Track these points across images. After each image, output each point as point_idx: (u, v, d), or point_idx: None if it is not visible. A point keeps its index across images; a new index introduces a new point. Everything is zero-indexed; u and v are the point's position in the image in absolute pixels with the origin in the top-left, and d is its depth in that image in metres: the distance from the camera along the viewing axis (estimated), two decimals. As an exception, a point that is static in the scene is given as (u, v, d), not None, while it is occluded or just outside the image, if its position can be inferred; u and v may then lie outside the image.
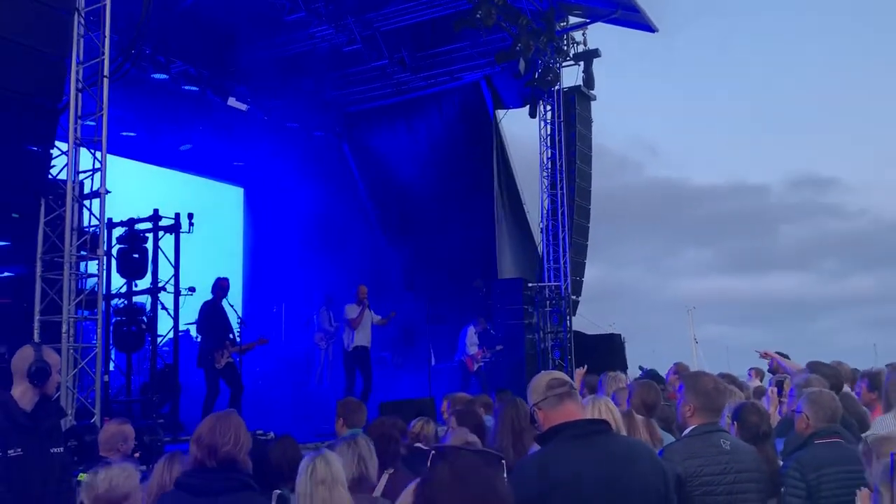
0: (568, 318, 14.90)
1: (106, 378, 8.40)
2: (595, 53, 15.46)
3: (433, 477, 1.92)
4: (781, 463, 4.15)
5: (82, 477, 3.74)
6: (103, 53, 8.01)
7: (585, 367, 8.28)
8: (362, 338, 11.70)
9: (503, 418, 4.29)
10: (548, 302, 14.78)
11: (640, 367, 11.32)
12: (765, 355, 7.37)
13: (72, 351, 7.43)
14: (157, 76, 13.59)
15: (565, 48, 15.28)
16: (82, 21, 7.89)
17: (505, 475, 1.91)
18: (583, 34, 15.43)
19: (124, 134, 13.62)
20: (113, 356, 9.84)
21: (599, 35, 15.57)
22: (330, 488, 3.46)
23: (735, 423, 4.27)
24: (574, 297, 15.37)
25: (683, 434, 3.83)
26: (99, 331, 7.83)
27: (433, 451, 2.73)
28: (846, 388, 5.56)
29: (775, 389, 5.93)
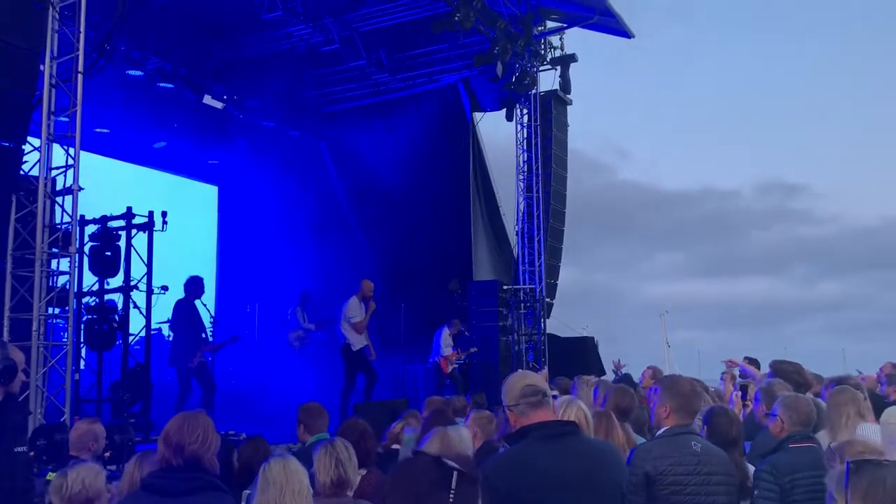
0: (542, 320, 14.98)
1: (76, 377, 8.31)
2: (572, 58, 15.55)
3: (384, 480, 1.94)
4: (750, 466, 4.21)
5: (51, 476, 3.71)
6: (78, 49, 7.93)
7: (546, 369, 8.28)
8: (365, 337, 11.33)
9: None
10: (522, 304, 14.85)
11: (615, 371, 11.38)
12: (730, 364, 7.46)
13: (42, 349, 7.34)
14: (132, 73, 13.47)
15: (542, 52, 15.36)
16: (56, 15, 7.80)
17: (454, 485, 1.91)
18: (560, 39, 15.52)
19: (98, 130, 13.49)
20: (84, 354, 9.73)
21: (572, 39, 15.66)
22: (281, 491, 3.41)
23: (706, 426, 4.32)
24: (548, 300, 15.44)
25: (656, 435, 3.88)
26: (70, 329, 7.76)
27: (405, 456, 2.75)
28: (810, 395, 5.64)
29: (739, 393, 6.01)
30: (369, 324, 11.70)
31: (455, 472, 1.79)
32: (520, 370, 3.30)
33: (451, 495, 1.88)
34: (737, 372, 9.80)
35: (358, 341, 11.18)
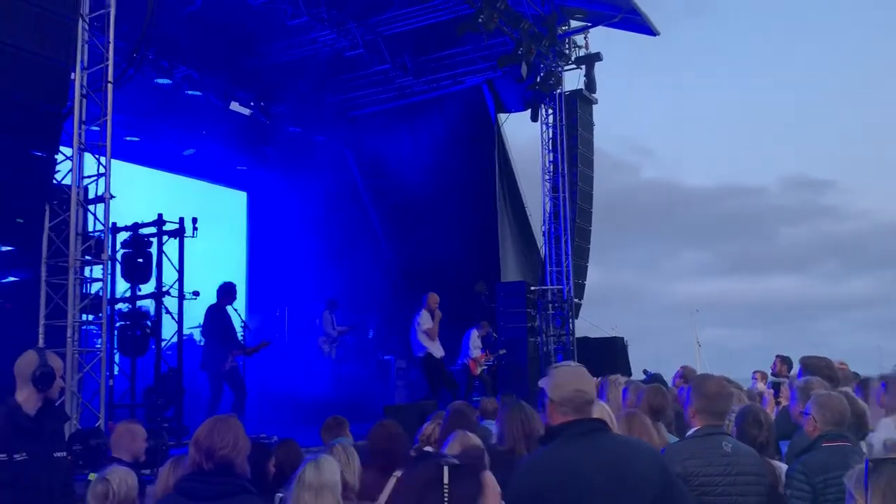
0: (570, 321, 14.92)
1: (110, 382, 8.43)
2: (597, 57, 15.48)
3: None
4: (784, 467, 4.17)
5: (92, 477, 3.79)
6: (107, 59, 8.05)
7: None
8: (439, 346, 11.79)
9: (510, 421, 4.30)
10: (550, 305, 14.81)
11: (645, 371, 11.31)
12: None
13: (76, 355, 7.46)
14: (160, 81, 13.65)
15: (567, 52, 15.31)
16: (86, 26, 7.93)
17: (446, 480, 1.90)
18: (584, 38, 15.46)
19: (128, 139, 13.69)
20: (117, 360, 9.87)
21: (596, 38, 15.58)
22: (317, 494, 3.47)
23: (736, 428, 4.29)
24: (576, 301, 15.38)
25: (686, 435, 3.86)
26: (103, 335, 7.87)
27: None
28: (846, 388, 5.57)
29: (772, 392, 5.95)
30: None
31: (446, 468, 1.79)
32: (571, 365, 3.22)
33: (444, 491, 1.88)
34: (769, 371, 9.72)
35: (437, 350, 11.65)
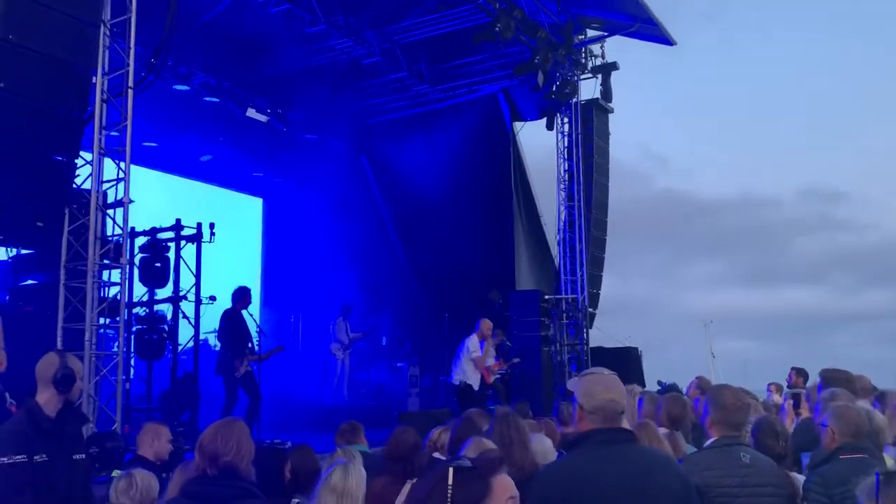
0: (585, 330, 14.88)
1: (127, 386, 8.48)
2: (613, 66, 15.48)
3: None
4: (802, 478, 4.14)
5: (116, 473, 3.83)
6: (128, 65, 8.13)
7: None
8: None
9: (493, 433, 4.34)
10: (564, 314, 14.77)
11: (659, 382, 11.26)
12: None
13: (94, 358, 7.51)
14: (178, 87, 13.77)
15: (583, 61, 15.31)
16: (107, 32, 8.01)
17: (450, 481, 1.90)
18: (601, 47, 15.46)
19: (146, 144, 13.79)
20: (133, 364, 9.93)
21: (613, 47, 15.57)
22: (340, 498, 3.49)
23: (752, 439, 4.27)
24: (591, 310, 15.34)
25: (704, 446, 3.85)
26: (120, 339, 7.92)
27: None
28: (865, 401, 5.53)
29: (791, 402, 5.91)
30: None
31: (451, 468, 1.79)
32: (604, 373, 3.15)
33: (448, 492, 1.88)
34: (784, 383, 9.64)
35: (477, 379, 11.16)
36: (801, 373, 9.85)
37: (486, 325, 11.38)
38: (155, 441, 5.09)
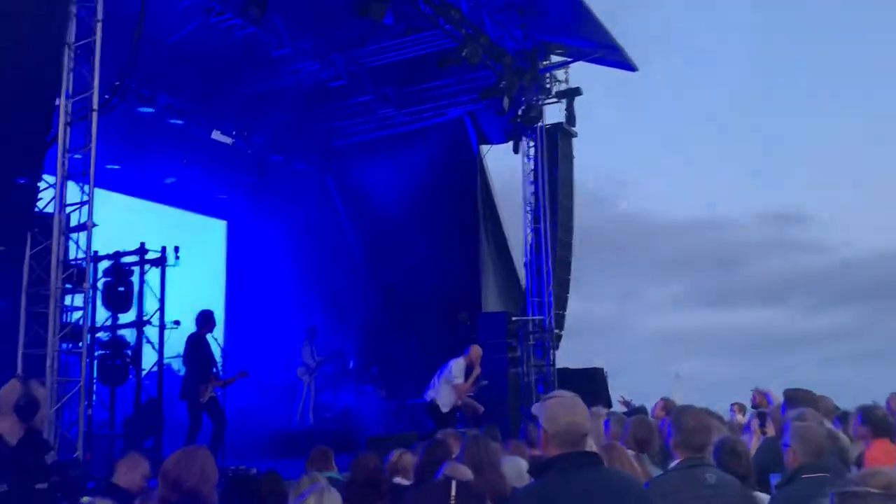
0: (551, 352, 14.95)
1: (89, 412, 8.34)
2: (577, 91, 15.67)
3: None
4: (766, 498, 4.20)
5: (86, 500, 3.78)
6: (92, 87, 8.07)
7: None
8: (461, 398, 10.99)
9: (464, 457, 4.36)
10: (531, 336, 14.84)
11: (624, 402, 11.33)
12: (759, 393, 7.46)
13: (55, 385, 7.38)
14: (142, 109, 13.66)
15: (548, 86, 15.50)
16: (72, 55, 7.95)
17: (453, 492, 1.93)
18: (565, 72, 15.66)
19: (109, 167, 13.64)
20: (95, 389, 9.77)
21: (577, 72, 15.77)
22: None
23: (715, 460, 4.33)
24: (557, 331, 15.42)
25: (669, 468, 3.89)
26: (83, 365, 7.79)
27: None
28: (827, 424, 5.64)
29: (757, 421, 6.00)
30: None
31: (454, 482, 1.81)
32: (566, 396, 3.19)
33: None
34: (748, 403, 9.77)
35: (450, 403, 10.87)
36: (763, 393, 10.00)
37: (476, 351, 11.14)
38: (129, 472, 5.00)
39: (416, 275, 15.65)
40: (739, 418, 9.03)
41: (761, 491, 4.40)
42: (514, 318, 14.59)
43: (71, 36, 7.94)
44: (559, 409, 3.06)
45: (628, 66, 14.93)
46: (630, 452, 4.64)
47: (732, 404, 10.16)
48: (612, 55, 14.63)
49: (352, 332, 16.08)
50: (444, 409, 10.79)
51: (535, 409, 3.13)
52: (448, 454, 4.96)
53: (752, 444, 5.59)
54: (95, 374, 9.36)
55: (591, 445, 3.92)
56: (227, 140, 15.04)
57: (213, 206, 17.19)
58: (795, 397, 5.61)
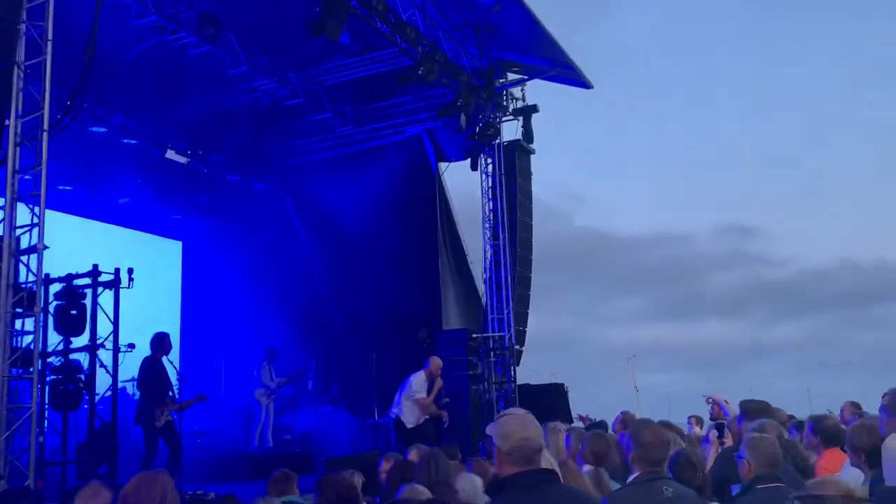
0: (512, 368, 14.98)
1: (41, 439, 8.13)
2: (533, 109, 15.84)
3: None
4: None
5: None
6: (43, 107, 7.93)
7: None
8: (427, 411, 10.81)
9: (419, 476, 4.36)
10: (492, 353, 14.85)
11: (580, 417, 11.42)
12: (710, 400, 7.53)
13: (5, 412, 7.19)
14: (95, 129, 13.46)
15: (505, 104, 15.64)
16: (22, 74, 7.82)
17: None
18: (521, 90, 15.82)
19: (61, 188, 13.41)
20: (47, 415, 9.53)
21: (533, 90, 15.93)
22: None
23: (671, 473, 4.37)
24: (518, 347, 15.47)
25: (627, 482, 3.92)
26: (34, 390, 7.60)
27: None
28: (786, 434, 5.73)
29: (716, 432, 6.06)
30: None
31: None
32: (518, 413, 3.20)
33: None
34: (705, 415, 9.86)
35: (414, 419, 10.65)
36: (717, 402, 10.11)
37: (436, 363, 10.99)
38: (90, 501, 4.87)
39: (375, 293, 15.60)
40: (697, 431, 9.10)
41: (720, 501, 4.45)
42: (474, 335, 14.60)
43: (21, 55, 7.81)
44: (511, 427, 3.06)
45: (583, 83, 15.14)
46: (588, 467, 4.67)
47: (690, 417, 10.26)
48: (567, 73, 14.83)
49: (311, 352, 15.95)
50: (410, 426, 10.61)
51: (489, 428, 3.13)
52: (412, 474, 4.95)
53: (711, 455, 5.65)
54: (47, 400, 9.12)
55: (550, 461, 3.95)
56: (182, 159, 14.85)
57: (168, 226, 16.98)
58: (751, 408, 5.69)
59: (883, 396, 4.54)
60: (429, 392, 10.81)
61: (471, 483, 4.41)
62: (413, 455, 5.77)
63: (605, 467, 4.89)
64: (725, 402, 7.14)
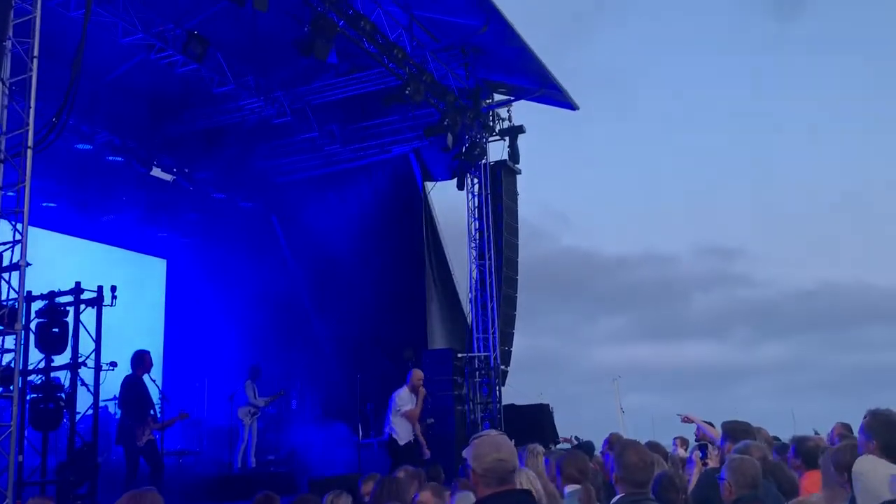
0: (497, 388, 14.93)
1: (20, 458, 8.02)
2: (520, 129, 15.93)
3: None
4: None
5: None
6: (27, 124, 7.89)
7: None
8: (416, 429, 10.77)
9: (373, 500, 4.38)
10: (477, 373, 14.81)
11: (575, 439, 11.39)
12: (686, 419, 7.53)
13: (-17, 431, 7.09)
14: (80, 146, 13.43)
15: (491, 124, 15.72)
16: (6, 91, 7.78)
17: None
18: (508, 111, 15.91)
19: (45, 205, 13.34)
20: (27, 434, 9.41)
21: (519, 111, 16.03)
22: None
23: (653, 494, 4.36)
24: (503, 368, 15.44)
25: (611, 502, 3.91)
26: (14, 409, 7.50)
27: None
28: (772, 456, 5.72)
29: (699, 453, 6.06)
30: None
31: None
32: (491, 434, 3.21)
33: None
34: (691, 437, 9.87)
35: (406, 434, 10.65)
36: (708, 425, 10.12)
37: (417, 375, 10.99)
38: None
39: (360, 312, 15.57)
40: (682, 452, 9.10)
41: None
42: (459, 355, 14.55)
43: (6, 72, 7.78)
44: (485, 448, 3.08)
45: (569, 105, 15.25)
46: (571, 487, 4.66)
47: (675, 438, 10.25)
48: (553, 94, 14.93)
49: (296, 371, 15.87)
50: (402, 442, 10.58)
51: (465, 451, 3.15)
52: (399, 493, 4.93)
53: (695, 476, 5.64)
54: (27, 419, 9.01)
55: (529, 481, 3.94)
56: (168, 177, 14.82)
57: (152, 244, 16.91)
58: (734, 429, 5.70)
59: (864, 417, 4.56)
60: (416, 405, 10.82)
61: (467, 501, 4.39)
62: (400, 475, 5.75)
63: (583, 486, 4.87)
64: (709, 423, 7.14)
